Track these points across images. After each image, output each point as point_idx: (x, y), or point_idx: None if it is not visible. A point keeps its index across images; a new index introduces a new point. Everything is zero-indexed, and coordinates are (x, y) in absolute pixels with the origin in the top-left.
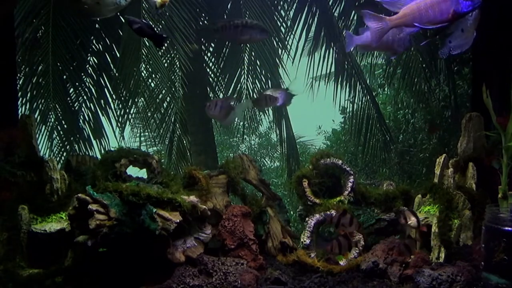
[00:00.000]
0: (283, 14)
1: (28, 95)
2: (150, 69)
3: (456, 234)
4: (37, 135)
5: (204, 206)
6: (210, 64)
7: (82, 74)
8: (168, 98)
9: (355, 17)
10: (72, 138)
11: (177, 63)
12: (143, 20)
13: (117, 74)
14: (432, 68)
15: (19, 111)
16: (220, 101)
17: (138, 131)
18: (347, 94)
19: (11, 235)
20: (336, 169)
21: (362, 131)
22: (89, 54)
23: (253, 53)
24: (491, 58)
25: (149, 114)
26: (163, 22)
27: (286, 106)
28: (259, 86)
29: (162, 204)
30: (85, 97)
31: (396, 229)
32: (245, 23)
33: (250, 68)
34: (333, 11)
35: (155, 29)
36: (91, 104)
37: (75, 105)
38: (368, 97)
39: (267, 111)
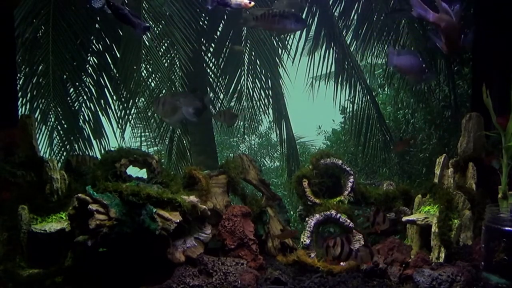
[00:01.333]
0: None
1: (28, 95)
2: (150, 69)
3: (456, 234)
4: (37, 135)
5: (204, 206)
6: (211, 65)
7: (82, 74)
8: None
9: (355, 17)
10: (72, 138)
11: (177, 63)
12: (126, 8)
13: (117, 75)
14: (432, 68)
15: (19, 111)
16: (166, 99)
17: (139, 131)
18: (347, 94)
19: (11, 235)
20: (336, 169)
21: (362, 131)
22: (89, 54)
23: (253, 53)
24: (491, 58)
25: (149, 114)
26: (163, 22)
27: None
28: (259, 85)
29: (162, 204)
30: (85, 97)
31: (396, 229)
32: (282, 13)
33: (250, 67)
34: (333, 11)
35: (136, 16)
36: (91, 104)
37: (75, 105)
38: (368, 97)
39: (267, 111)
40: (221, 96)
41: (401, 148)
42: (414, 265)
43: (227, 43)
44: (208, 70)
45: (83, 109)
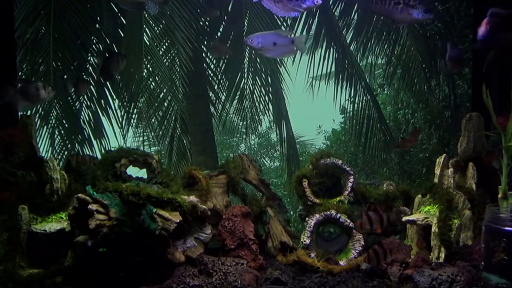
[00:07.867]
0: None
1: None
2: (150, 69)
3: (456, 234)
4: (38, 135)
5: (204, 206)
6: (211, 65)
7: (83, 74)
8: (168, 97)
9: (355, 17)
10: (73, 137)
11: (178, 62)
12: None
13: (118, 76)
14: (432, 68)
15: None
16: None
17: (139, 131)
18: (347, 94)
19: (11, 235)
20: (336, 169)
21: (362, 131)
22: (89, 54)
23: (253, 52)
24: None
25: (150, 113)
26: (163, 21)
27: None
28: (259, 83)
29: (162, 204)
30: (85, 97)
31: (396, 229)
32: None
33: (250, 65)
34: (333, 11)
35: None
36: (91, 104)
37: (75, 105)
38: (368, 97)
39: (266, 111)
40: (222, 97)
41: (408, 146)
42: (414, 265)
43: (228, 43)
44: (209, 70)
45: (83, 109)
